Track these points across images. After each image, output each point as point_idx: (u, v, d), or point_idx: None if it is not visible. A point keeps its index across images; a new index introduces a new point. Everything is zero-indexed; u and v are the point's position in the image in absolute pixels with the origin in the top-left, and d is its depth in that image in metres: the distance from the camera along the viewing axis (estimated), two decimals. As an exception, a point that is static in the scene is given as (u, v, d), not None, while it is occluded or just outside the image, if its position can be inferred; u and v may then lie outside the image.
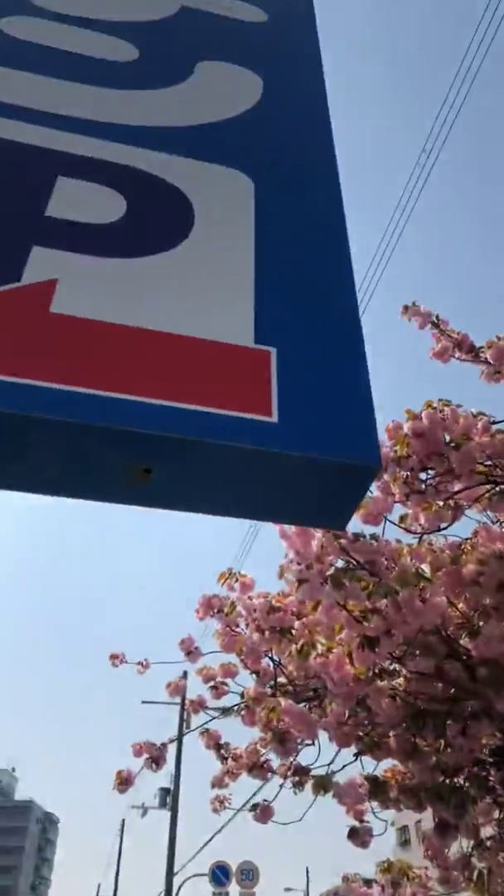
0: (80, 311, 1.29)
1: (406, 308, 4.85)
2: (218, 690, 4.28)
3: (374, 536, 2.86)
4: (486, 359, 4.16)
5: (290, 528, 2.84)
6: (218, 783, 4.37)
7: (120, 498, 1.26)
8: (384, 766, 4.23)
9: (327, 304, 1.55)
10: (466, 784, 3.64)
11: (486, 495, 3.52)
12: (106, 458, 1.18)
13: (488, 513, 4.34)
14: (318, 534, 2.76)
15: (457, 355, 4.48)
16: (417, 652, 2.81)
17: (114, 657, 4.63)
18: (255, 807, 4.11)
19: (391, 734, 3.76)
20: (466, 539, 3.75)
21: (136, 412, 1.16)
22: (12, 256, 1.34)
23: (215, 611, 4.12)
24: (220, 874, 20.41)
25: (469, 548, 3.58)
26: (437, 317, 4.71)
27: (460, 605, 3.53)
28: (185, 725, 12.35)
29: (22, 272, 1.32)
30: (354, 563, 2.71)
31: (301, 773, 3.96)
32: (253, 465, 1.21)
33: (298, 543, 2.77)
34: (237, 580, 3.55)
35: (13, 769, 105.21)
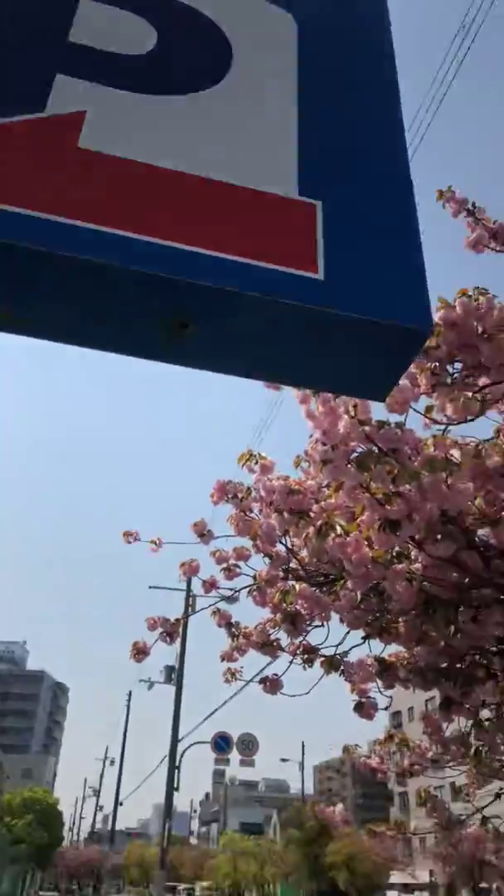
0: (112, 147, 1.17)
1: (441, 193, 4.58)
2: (230, 572, 4.39)
3: (399, 425, 2.81)
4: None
5: (317, 408, 2.79)
6: (227, 657, 4.57)
7: (155, 354, 1.20)
8: (389, 652, 4.41)
9: (378, 164, 1.42)
10: (472, 663, 3.79)
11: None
12: (139, 307, 1.11)
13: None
14: (345, 417, 2.71)
15: (492, 245, 4.27)
16: (438, 537, 2.82)
17: (127, 534, 4.72)
18: (264, 680, 4.32)
19: (401, 619, 3.88)
20: (488, 439, 3.70)
21: (171, 258, 1.08)
22: (34, 83, 1.22)
23: (230, 496, 4.15)
24: (222, 743, 22.07)
25: (492, 446, 3.54)
26: (472, 204, 4.45)
27: (478, 501, 3.53)
28: (190, 609, 12.95)
29: (47, 101, 1.19)
30: (378, 450, 2.68)
31: (310, 651, 4.13)
32: (295, 323, 1.14)
33: (325, 423, 2.72)
34: (257, 462, 3.54)
35: (24, 642, 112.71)
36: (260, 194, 1.22)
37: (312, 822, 40.53)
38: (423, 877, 42.31)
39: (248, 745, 22.56)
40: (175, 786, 22.63)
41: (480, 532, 3.37)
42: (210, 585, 4.69)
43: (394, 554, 2.97)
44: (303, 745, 69.97)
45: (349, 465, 2.63)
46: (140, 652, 4.49)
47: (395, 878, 41.80)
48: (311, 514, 3.18)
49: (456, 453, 2.72)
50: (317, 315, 1.12)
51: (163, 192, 1.15)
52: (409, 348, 1.19)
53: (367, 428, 2.72)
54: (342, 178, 1.32)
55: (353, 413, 2.70)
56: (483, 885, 34.70)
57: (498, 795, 4.99)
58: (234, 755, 22.69)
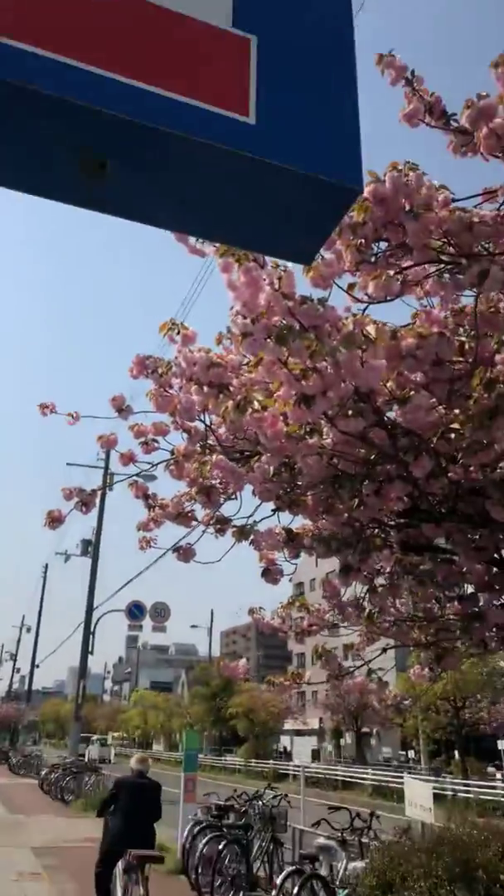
0: None
1: (380, 57, 4.34)
2: (148, 446, 4.41)
3: (321, 301, 2.81)
4: (457, 127, 3.85)
5: (239, 278, 2.73)
6: (143, 527, 4.70)
7: (72, 197, 1.11)
8: (297, 525, 4.64)
9: (320, 4, 1.31)
10: (371, 535, 4.07)
11: (435, 273, 3.47)
12: (52, 139, 1.02)
13: (428, 299, 4.35)
14: (267, 288, 2.68)
15: (427, 120, 4.13)
16: (349, 413, 2.92)
17: (43, 407, 4.62)
18: (177, 548, 4.49)
19: (310, 493, 4.06)
20: (406, 325, 3.77)
21: (87, 84, 0.98)
22: None
23: (149, 371, 4.09)
24: (135, 611, 23.11)
25: (407, 330, 3.62)
26: (412, 73, 4.25)
27: (389, 384, 3.65)
28: (107, 484, 13.04)
29: None
30: (300, 325, 2.68)
31: (223, 522, 4.30)
32: (221, 170, 1.08)
33: (246, 294, 2.68)
34: (179, 332, 3.48)
35: None
36: (189, 21, 1.12)
37: (217, 680, 43.96)
38: (314, 724, 47.29)
39: (161, 613, 23.71)
40: (90, 649, 23.75)
41: (390, 413, 3.50)
42: (128, 458, 4.70)
43: (306, 429, 3.05)
44: (212, 613, 74.71)
45: (268, 340, 2.63)
46: (54, 520, 4.53)
47: (289, 725, 46.39)
48: (231, 389, 3.20)
49: (371, 330, 2.76)
50: (244, 162, 1.06)
51: (78, 8, 1.03)
52: (338, 207, 1.17)
53: (289, 303, 2.70)
54: (282, 14, 1.22)
55: (277, 286, 2.66)
56: (365, 729, 39.20)
57: (384, 650, 5.53)
58: (148, 622, 23.84)
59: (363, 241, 3.15)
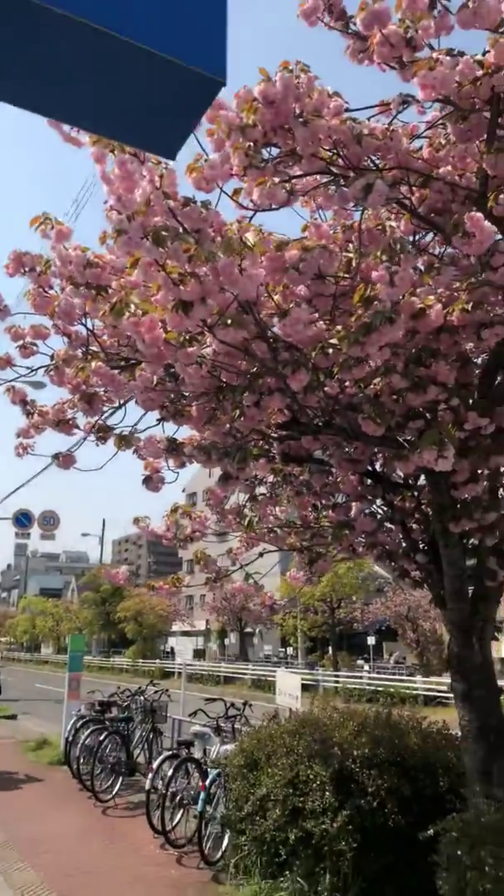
0: None
1: None
2: (26, 350, 4.23)
3: (205, 204, 2.72)
4: (355, 31, 3.73)
5: (114, 171, 2.58)
6: (23, 434, 4.57)
7: None
8: (182, 436, 4.68)
9: None
10: (250, 445, 4.18)
11: (323, 187, 3.45)
12: None
13: (321, 212, 4.32)
14: (146, 186, 2.55)
15: (325, 20, 3.97)
16: (229, 322, 2.91)
17: None
18: (57, 455, 4.42)
19: (194, 404, 4.09)
20: (295, 240, 3.75)
21: None
22: None
23: (27, 269, 3.87)
24: (23, 519, 22.75)
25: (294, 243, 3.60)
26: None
27: (276, 297, 3.66)
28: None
29: None
30: (181, 227, 2.60)
31: (105, 430, 4.26)
32: (81, 47, 1.01)
33: (121, 189, 2.55)
34: (52, 227, 3.27)
35: None
36: None
37: (107, 585, 44.58)
38: (201, 625, 49.50)
39: (50, 521, 23.47)
40: (-27, 556, 23.24)
41: (274, 328, 3.53)
42: (5, 362, 4.49)
43: (186, 337, 3.03)
44: (103, 521, 74.78)
45: (145, 240, 2.54)
46: None
47: (177, 626, 48.27)
48: (109, 291, 3.09)
49: (251, 237, 2.73)
50: (105, 39, 1.00)
51: None
52: (200, 98, 1.12)
53: (171, 202, 2.61)
54: None
55: (158, 184, 2.55)
56: (248, 629, 41.55)
57: (260, 554, 5.82)
58: (37, 530, 23.57)
59: (252, 144, 3.06)
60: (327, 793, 4.91)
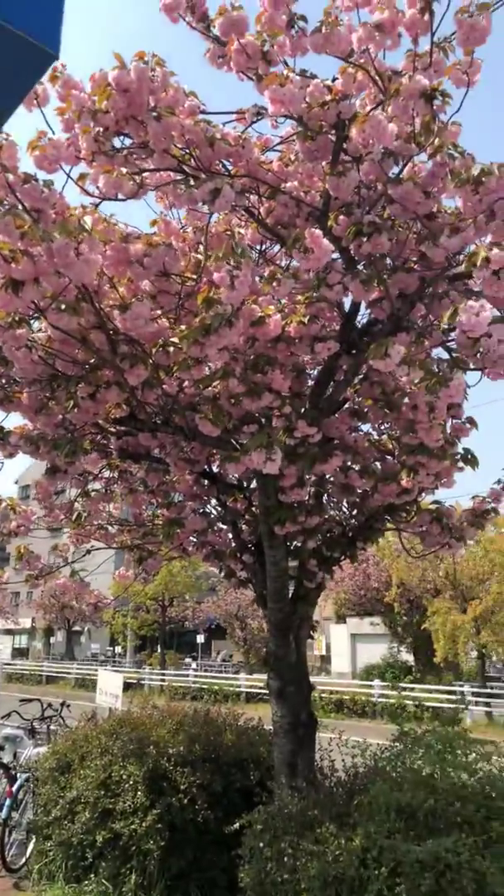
0: None
1: None
2: None
3: (47, 184, 2.61)
4: (214, 35, 3.77)
5: None
6: None
7: None
8: (12, 424, 4.43)
9: None
10: (85, 438, 4.07)
11: (174, 185, 3.43)
12: None
13: (174, 210, 4.31)
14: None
15: (188, 19, 3.97)
16: (63, 307, 2.80)
17: None
18: None
19: (25, 391, 3.89)
20: (144, 234, 3.70)
21: None
22: None
23: None
24: None
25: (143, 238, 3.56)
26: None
27: (121, 290, 3.59)
28: None
29: None
30: (20, 205, 2.46)
31: None
32: None
33: (-50, 154, 2.38)
34: None
35: None
36: None
37: None
38: (26, 623, 47.27)
39: None
40: None
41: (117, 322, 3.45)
42: None
43: (16, 318, 2.88)
44: None
45: (-27, 209, 2.39)
46: None
47: (0, 624, 45.75)
48: None
49: (89, 220, 2.65)
50: None
51: None
52: (31, 69, 1.07)
53: (10, 177, 2.47)
54: None
55: (-5, 155, 2.40)
56: (76, 627, 40.36)
57: (87, 552, 5.68)
58: None
59: (103, 130, 2.98)
60: (139, 792, 4.89)
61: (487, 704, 18.50)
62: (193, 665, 31.29)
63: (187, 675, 26.43)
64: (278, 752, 4.88)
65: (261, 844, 4.11)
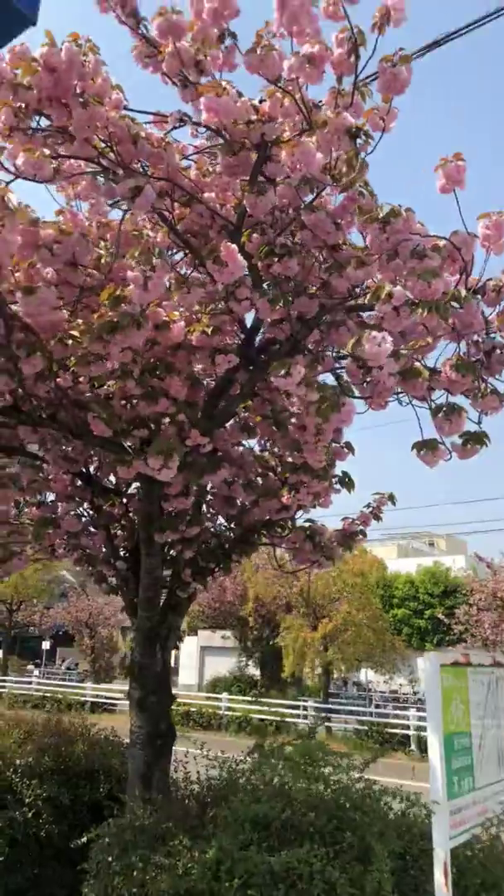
0: None
1: None
2: None
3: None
4: (144, 34, 3.72)
5: None
6: None
7: None
8: None
9: None
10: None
11: (92, 176, 3.34)
12: None
13: (77, 202, 4.18)
14: None
15: (118, 12, 3.90)
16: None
17: None
18: None
19: None
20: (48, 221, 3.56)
21: None
22: None
23: None
24: None
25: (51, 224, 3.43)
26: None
27: (18, 274, 3.41)
28: None
29: None
30: None
31: None
32: None
33: None
34: None
35: None
36: None
37: None
38: None
39: None
40: None
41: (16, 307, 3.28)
42: None
43: None
44: None
45: None
46: None
47: None
48: None
49: (14, 199, 2.51)
50: None
51: None
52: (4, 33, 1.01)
53: None
54: None
55: None
56: None
57: None
58: None
59: (24, 106, 2.85)
60: (-20, 806, 4.60)
61: (328, 719, 19.23)
62: (36, 672, 29.96)
63: (30, 682, 25.26)
64: (133, 763, 4.79)
65: (109, 858, 3.99)
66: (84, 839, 4.16)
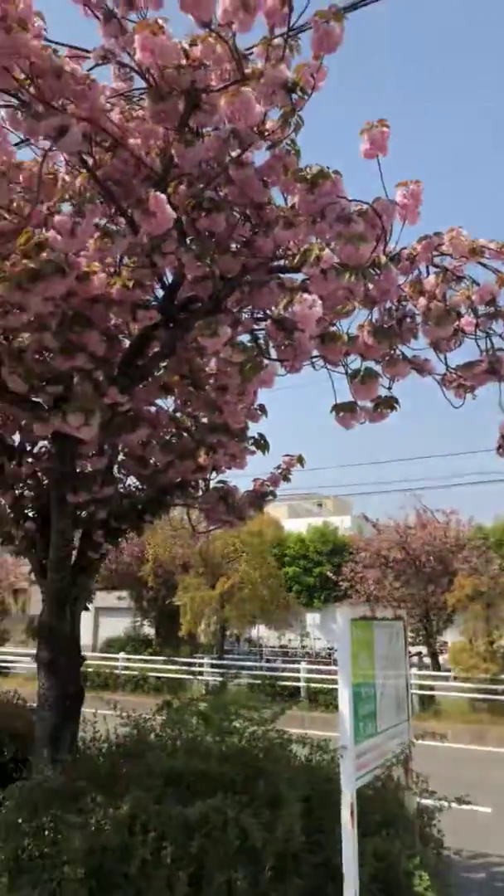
0: None
1: None
2: None
3: None
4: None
5: None
6: None
7: None
8: None
9: None
10: None
11: (11, 108, 3.10)
12: None
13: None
14: None
15: None
16: None
17: None
18: None
19: None
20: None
21: None
22: None
23: None
24: None
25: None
26: None
27: None
28: None
29: None
30: None
31: None
32: None
33: None
34: None
35: None
36: None
37: None
38: None
39: None
40: None
41: None
42: None
43: None
44: None
45: None
46: None
47: None
48: None
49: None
50: None
51: None
52: None
53: None
54: None
55: None
56: None
57: None
58: None
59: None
60: None
61: (223, 675, 19.70)
62: None
63: None
64: (41, 725, 4.71)
65: (18, 820, 3.94)
66: (-10, 802, 4.08)
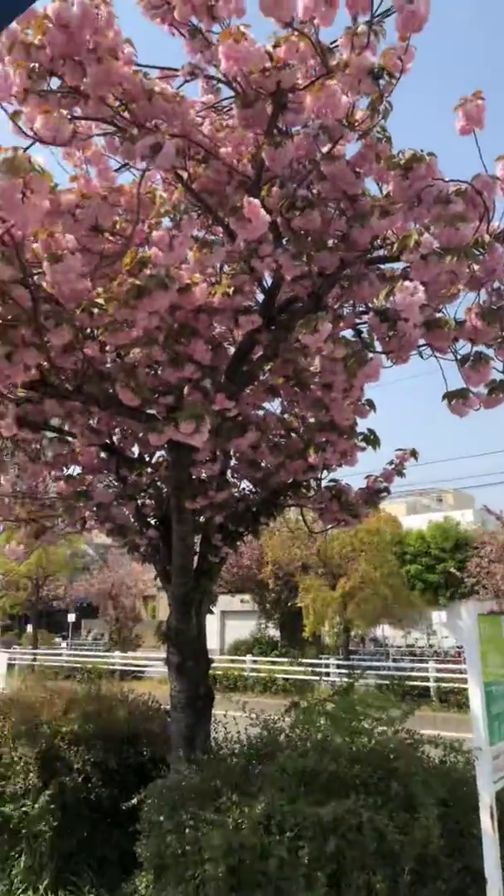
0: None
1: None
2: None
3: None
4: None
5: None
6: None
7: None
8: None
9: None
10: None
11: (110, 136, 3.24)
12: None
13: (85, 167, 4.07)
14: None
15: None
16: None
17: None
18: None
19: None
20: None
21: None
22: None
23: None
24: None
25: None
26: None
27: (36, 245, 3.32)
28: None
29: None
30: None
31: None
32: None
33: None
34: None
35: None
36: None
37: None
38: None
39: None
40: None
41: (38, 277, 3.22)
42: None
43: None
44: None
45: None
46: None
47: None
48: None
49: (41, 162, 2.42)
50: None
51: None
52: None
53: None
54: None
55: None
56: None
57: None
58: None
59: (38, 66, 2.75)
60: (31, 774, 4.71)
61: (350, 675, 19.50)
62: (64, 644, 30.50)
63: (59, 655, 25.72)
64: (175, 726, 4.86)
65: (160, 818, 4.08)
66: (134, 801, 4.25)
